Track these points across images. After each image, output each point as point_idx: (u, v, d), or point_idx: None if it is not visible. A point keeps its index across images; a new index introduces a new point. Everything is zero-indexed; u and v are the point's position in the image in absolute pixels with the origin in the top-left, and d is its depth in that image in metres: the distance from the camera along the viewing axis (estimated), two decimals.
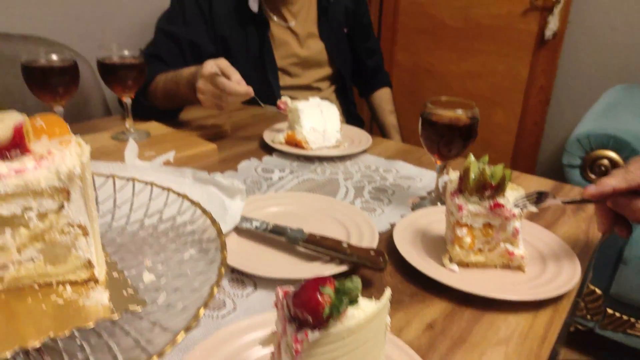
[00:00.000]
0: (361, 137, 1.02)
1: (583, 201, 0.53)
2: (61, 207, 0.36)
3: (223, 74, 0.90)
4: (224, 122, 1.09)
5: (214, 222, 0.45)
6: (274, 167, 0.88)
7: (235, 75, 0.90)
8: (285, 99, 0.98)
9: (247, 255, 0.58)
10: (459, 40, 2.24)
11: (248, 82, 0.95)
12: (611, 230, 0.55)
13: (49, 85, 0.77)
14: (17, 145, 0.34)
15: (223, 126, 1.03)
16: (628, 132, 1.28)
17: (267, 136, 0.98)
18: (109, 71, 0.86)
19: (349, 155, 0.94)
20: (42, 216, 0.36)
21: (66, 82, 0.78)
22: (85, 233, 0.37)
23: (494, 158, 2.02)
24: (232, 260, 0.53)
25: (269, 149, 0.95)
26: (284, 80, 1.31)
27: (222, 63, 0.90)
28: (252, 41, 1.22)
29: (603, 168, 1.32)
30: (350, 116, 1.45)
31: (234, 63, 0.94)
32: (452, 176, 0.59)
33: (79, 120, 1.10)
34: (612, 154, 1.30)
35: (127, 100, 0.91)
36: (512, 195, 0.55)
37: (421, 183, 0.84)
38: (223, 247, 0.41)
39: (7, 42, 1.09)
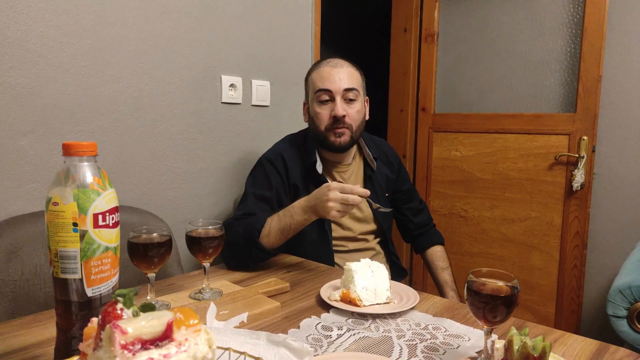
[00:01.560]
0: (409, 294, 1.11)
1: None
2: None
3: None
4: (283, 278, 1.21)
5: None
6: (332, 325, 0.97)
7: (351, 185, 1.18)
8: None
9: None
10: (490, 190, 2.41)
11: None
12: None
13: (147, 257, 0.94)
14: (167, 336, 0.47)
15: (284, 283, 1.16)
16: None
17: (324, 293, 1.09)
18: (195, 242, 1.03)
19: (399, 312, 1.03)
20: None
21: (161, 254, 0.95)
22: None
23: (538, 301, 2.03)
24: None
25: (326, 306, 1.05)
26: (337, 231, 1.50)
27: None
28: None
29: None
30: (394, 266, 1.58)
31: None
32: (498, 345, 0.67)
33: (159, 277, 1.25)
34: None
35: (206, 264, 1.06)
36: None
37: (470, 342, 0.91)
38: None
39: None
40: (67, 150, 0.69)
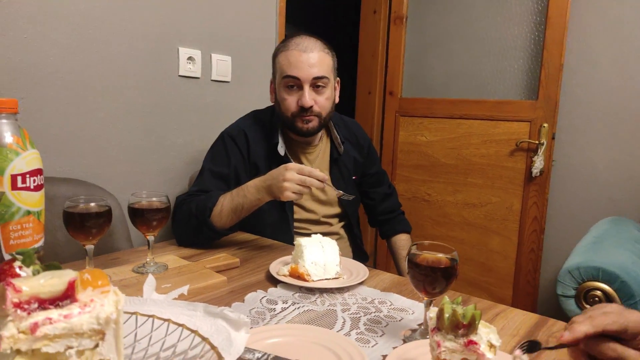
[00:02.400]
0: (359, 270, 1.10)
1: (561, 346, 0.60)
2: (96, 345, 0.44)
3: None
4: (234, 255, 1.19)
5: (220, 356, 0.52)
6: (277, 299, 0.95)
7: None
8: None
9: None
10: (453, 175, 2.43)
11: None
12: None
13: (84, 227, 0.89)
14: (68, 296, 0.44)
15: (233, 258, 1.13)
16: (615, 264, 1.35)
17: (273, 268, 1.07)
18: (137, 214, 0.99)
19: (347, 287, 1.02)
20: (80, 353, 0.44)
21: (100, 225, 0.91)
22: None
23: (495, 283, 2.06)
24: None
25: (274, 281, 1.04)
26: (299, 213, 1.47)
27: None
28: None
29: (597, 299, 1.36)
30: (357, 250, 1.57)
31: None
32: (431, 314, 0.66)
33: (105, 251, 1.21)
34: (603, 285, 1.35)
35: (150, 237, 1.02)
36: (485, 333, 0.62)
37: (413, 315, 0.91)
38: None
39: (50, 184, 1.25)
40: None
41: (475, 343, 0.60)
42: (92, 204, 0.91)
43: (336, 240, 1.49)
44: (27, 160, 0.66)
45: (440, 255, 0.78)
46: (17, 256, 0.46)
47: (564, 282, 1.42)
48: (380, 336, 0.82)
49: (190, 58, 1.69)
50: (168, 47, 1.63)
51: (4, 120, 0.65)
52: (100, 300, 0.46)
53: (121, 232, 1.37)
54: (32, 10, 1.28)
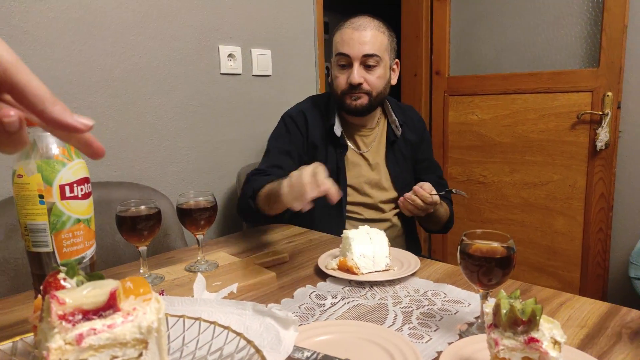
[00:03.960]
0: (410, 261, 1.07)
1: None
2: (140, 354, 0.45)
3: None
4: (283, 249, 1.19)
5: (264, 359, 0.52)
6: (326, 294, 0.94)
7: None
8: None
9: None
10: (509, 154, 2.31)
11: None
12: None
13: (136, 230, 0.92)
14: (111, 306, 0.44)
15: (282, 253, 1.13)
16: None
17: (322, 262, 1.06)
18: (185, 214, 1.01)
19: (398, 279, 0.99)
20: None
21: (150, 227, 0.93)
22: None
23: (562, 266, 1.95)
24: None
25: (323, 275, 1.02)
26: (353, 196, 1.46)
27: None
28: (332, 159, 1.44)
29: None
30: (411, 239, 1.54)
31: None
32: (487, 308, 0.62)
33: (161, 251, 1.24)
34: None
35: (200, 236, 1.04)
36: (548, 329, 0.57)
37: (469, 308, 0.86)
38: None
39: (104, 188, 1.31)
40: (29, 121, 0.66)
41: (537, 340, 0.56)
42: (142, 207, 0.93)
43: (388, 228, 1.47)
44: (74, 170, 0.68)
45: (495, 244, 0.73)
46: (61, 268, 0.46)
47: (636, 264, 1.31)
48: (435, 331, 0.78)
49: (230, 55, 1.70)
50: (208, 46, 1.64)
51: (49, 133, 0.67)
52: (142, 309, 0.46)
53: (175, 232, 1.41)
54: (78, 24, 1.33)
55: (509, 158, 2.31)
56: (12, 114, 0.38)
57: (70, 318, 0.43)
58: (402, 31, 2.68)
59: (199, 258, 1.05)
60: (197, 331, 0.60)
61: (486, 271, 0.73)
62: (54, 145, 0.67)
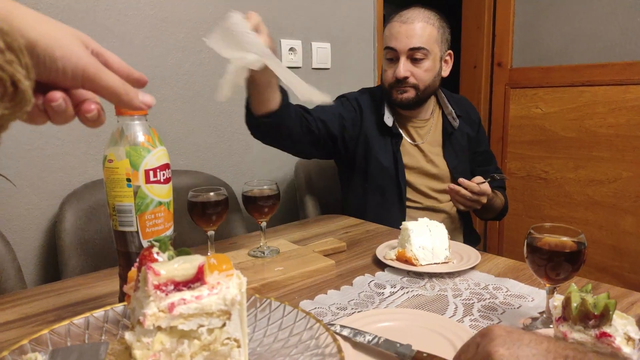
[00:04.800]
0: (470, 254, 1.06)
1: None
2: (224, 324, 0.48)
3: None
4: (340, 239, 1.21)
5: (334, 339, 0.54)
6: (385, 283, 0.95)
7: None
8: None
9: None
10: (575, 149, 2.21)
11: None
12: None
13: (205, 215, 0.98)
14: (199, 279, 0.48)
15: (340, 242, 1.15)
16: None
17: (380, 252, 1.07)
18: (250, 201, 1.06)
19: (458, 272, 0.99)
20: (210, 331, 0.48)
21: (218, 212, 0.98)
22: (239, 345, 0.49)
23: (629, 268, 1.85)
24: None
25: (381, 265, 1.04)
26: (410, 185, 1.47)
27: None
28: (388, 149, 1.45)
29: None
30: (468, 231, 1.52)
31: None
32: (556, 302, 0.61)
33: (224, 237, 1.31)
34: None
35: (263, 223, 1.08)
36: (622, 325, 0.56)
37: (533, 303, 0.85)
38: None
39: (173, 176, 1.38)
40: (119, 110, 0.72)
41: (610, 335, 0.55)
42: (212, 194, 0.99)
43: (444, 219, 1.46)
44: (157, 156, 0.73)
45: (565, 238, 0.72)
46: (155, 243, 0.51)
47: None
48: (497, 324, 0.78)
49: (291, 49, 1.74)
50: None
51: (137, 122, 0.73)
52: (225, 283, 0.50)
53: (237, 219, 1.47)
54: (152, 20, 1.41)
55: (574, 154, 2.21)
56: (93, 107, 0.46)
57: (164, 288, 0.47)
58: (462, 22, 2.62)
59: (261, 244, 1.10)
60: (269, 309, 0.63)
61: (555, 266, 0.72)
62: (140, 133, 0.73)
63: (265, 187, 1.07)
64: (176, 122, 1.50)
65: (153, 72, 1.43)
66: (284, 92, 1.18)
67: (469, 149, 1.54)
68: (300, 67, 1.78)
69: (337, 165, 1.58)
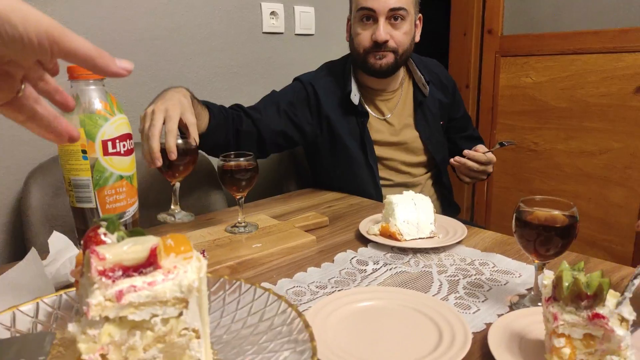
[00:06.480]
0: (456, 228, 1.02)
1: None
2: (180, 314, 0.43)
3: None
4: (323, 213, 1.16)
5: (307, 325, 0.50)
6: (368, 259, 0.91)
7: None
8: None
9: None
10: (566, 120, 2.16)
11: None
12: None
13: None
14: (151, 263, 0.43)
15: (322, 217, 1.11)
16: None
17: (363, 227, 1.03)
18: (226, 174, 1.00)
19: (443, 247, 0.95)
20: (165, 321, 0.43)
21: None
22: (198, 336, 0.44)
23: (616, 240, 1.84)
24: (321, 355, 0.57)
25: (364, 240, 1.00)
26: (381, 163, 1.40)
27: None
28: (354, 129, 1.36)
29: None
30: (446, 203, 1.46)
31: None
32: (545, 280, 0.57)
33: (202, 211, 1.25)
34: None
35: (241, 198, 1.03)
36: (612, 303, 0.52)
37: (520, 279, 0.81)
38: (314, 352, 0.45)
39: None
40: (72, 74, 0.65)
41: (603, 317, 0.51)
42: (242, 159, 0.99)
43: (419, 193, 1.40)
44: (116, 125, 0.67)
45: (557, 212, 0.67)
46: (102, 222, 0.45)
47: None
48: (483, 302, 0.74)
49: (273, 13, 1.65)
50: (250, 3, 1.59)
51: (92, 87, 0.66)
52: (183, 267, 0.44)
53: (216, 192, 1.41)
54: None
55: (565, 124, 2.17)
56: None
57: (110, 274, 0.42)
58: None
59: (239, 220, 1.05)
60: (238, 292, 0.59)
61: (544, 241, 0.68)
62: (96, 100, 0.66)
63: (242, 159, 1.01)
64: (148, 90, 1.42)
65: (122, 37, 1.34)
66: (210, 109, 1.16)
67: (442, 117, 1.46)
68: (282, 33, 1.70)
69: (304, 150, 1.50)
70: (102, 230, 0.45)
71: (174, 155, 0.82)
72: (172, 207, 0.96)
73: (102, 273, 0.41)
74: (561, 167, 2.21)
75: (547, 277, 0.57)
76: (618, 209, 2.06)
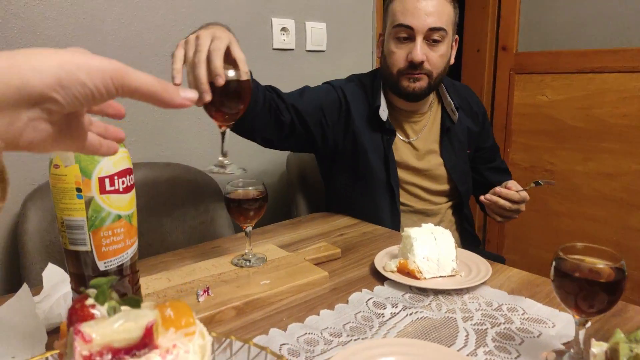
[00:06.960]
0: (480, 266, 0.95)
1: None
2: None
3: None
4: (335, 242, 1.10)
5: None
6: (385, 301, 0.84)
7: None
8: None
9: None
10: (583, 140, 2.09)
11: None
12: None
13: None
14: (146, 344, 0.36)
15: (335, 248, 1.04)
16: None
17: (379, 262, 0.96)
18: (233, 204, 0.93)
19: (467, 289, 0.87)
20: None
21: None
22: None
23: (634, 265, 1.75)
24: None
25: (380, 277, 0.93)
26: (402, 187, 1.32)
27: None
28: (378, 146, 1.29)
29: None
30: (466, 234, 1.39)
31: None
32: (595, 349, 0.50)
33: (208, 238, 1.19)
34: None
35: (248, 228, 0.96)
36: None
37: (554, 330, 0.74)
38: None
39: (150, 169, 1.26)
40: None
41: None
42: (250, 188, 0.94)
43: (439, 222, 1.33)
44: (114, 160, 0.61)
45: (602, 264, 0.60)
46: (90, 291, 0.39)
47: None
48: (516, 358, 0.67)
49: (284, 29, 1.59)
50: (261, 19, 1.54)
51: None
52: (184, 346, 0.38)
53: (222, 217, 1.35)
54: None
55: (583, 144, 2.09)
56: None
57: (98, 359, 0.35)
58: (465, 2, 2.47)
59: (246, 251, 0.98)
60: (247, 357, 0.52)
61: (587, 296, 0.61)
62: None
63: (250, 188, 0.94)
64: (154, 113, 1.37)
65: (128, 53, 1.29)
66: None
67: (470, 146, 1.39)
68: (293, 49, 1.64)
69: (318, 161, 1.42)
70: (90, 301, 0.38)
71: (221, 80, 0.71)
72: (221, 157, 0.84)
73: (88, 358, 0.35)
74: (578, 189, 2.13)
75: (597, 345, 0.50)
76: (637, 233, 1.98)
